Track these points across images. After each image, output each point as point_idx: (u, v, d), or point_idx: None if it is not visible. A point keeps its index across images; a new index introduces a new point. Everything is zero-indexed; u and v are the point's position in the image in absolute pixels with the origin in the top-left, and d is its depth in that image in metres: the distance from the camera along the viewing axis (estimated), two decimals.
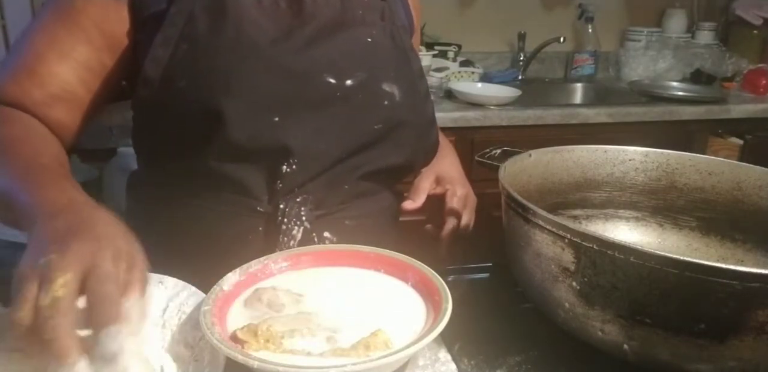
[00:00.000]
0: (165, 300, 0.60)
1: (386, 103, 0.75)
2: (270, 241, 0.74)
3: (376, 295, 0.60)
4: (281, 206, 0.73)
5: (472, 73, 2.08)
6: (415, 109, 0.79)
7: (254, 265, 0.62)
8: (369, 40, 0.77)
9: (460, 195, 0.85)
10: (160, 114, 0.73)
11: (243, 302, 0.58)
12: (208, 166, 0.71)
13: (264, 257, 0.64)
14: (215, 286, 0.58)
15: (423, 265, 0.62)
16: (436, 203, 0.85)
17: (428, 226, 0.85)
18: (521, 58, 2.26)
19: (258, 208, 0.74)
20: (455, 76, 2.06)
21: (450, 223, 0.83)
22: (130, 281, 0.47)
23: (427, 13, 2.14)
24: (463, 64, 2.09)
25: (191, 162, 0.72)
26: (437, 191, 0.85)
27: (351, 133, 0.74)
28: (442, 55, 2.09)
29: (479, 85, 2.00)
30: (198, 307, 0.57)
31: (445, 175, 0.88)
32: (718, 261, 0.53)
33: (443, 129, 1.64)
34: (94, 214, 0.52)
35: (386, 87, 0.76)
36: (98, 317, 0.43)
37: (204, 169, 0.72)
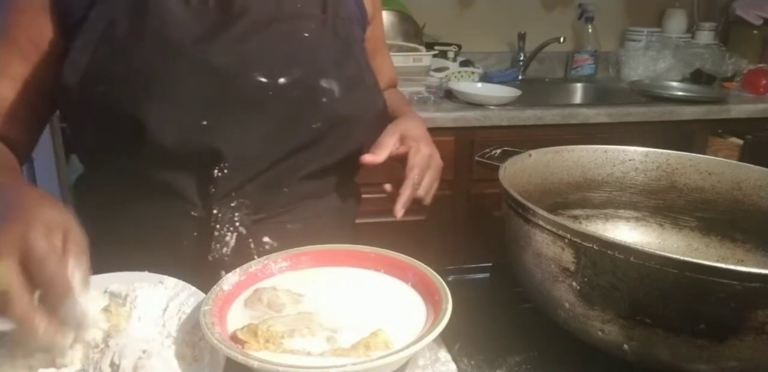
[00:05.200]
0: (165, 300, 0.60)
1: (324, 100, 0.72)
2: (204, 248, 0.71)
3: (376, 295, 0.60)
4: (214, 211, 0.71)
5: (472, 73, 2.08)
6: (360, 103, 0.76)
7: (254, 265, 0.62)
8: (306, 34, 0.74)
9: (424, 152, 0.78)
10: (83, 120, 0.71)
11: (243, 302, 0.58)
12: (139, 171, 0.70)
13: (264, 257, 0.64)
14: (215, 286, 0.58)
15: (423, 265, 0.62)
16: (398, 166, 0.79)
17: (387, 185, 0.78)
18: (521, 58, 2.26)
19: (192, 213, 0.72)
20: (455, 76, 2.06)
21: (411, 180, 0.75)
22: (67, 249, 0.49)
23: (427, 13, 2.16)
24: (463, 64, 2.09)
25: (123, 167, 0.71)
26: (401, 151, 0.78)
27: (287, 134, 0.72)
28: (442, 55, 2.08)
29: (479, 85, 2.00)
30: (198, 307, 0.57)
31: (409, 134, 0.81)
32: (718, 261, 0.53)
33: (443, 129, 1.66)
34: (19, 192, 0.53)
35: (324, 83, 0.73)
36: (52, 297, 0.46)
37: (136, 174, 0.70)
